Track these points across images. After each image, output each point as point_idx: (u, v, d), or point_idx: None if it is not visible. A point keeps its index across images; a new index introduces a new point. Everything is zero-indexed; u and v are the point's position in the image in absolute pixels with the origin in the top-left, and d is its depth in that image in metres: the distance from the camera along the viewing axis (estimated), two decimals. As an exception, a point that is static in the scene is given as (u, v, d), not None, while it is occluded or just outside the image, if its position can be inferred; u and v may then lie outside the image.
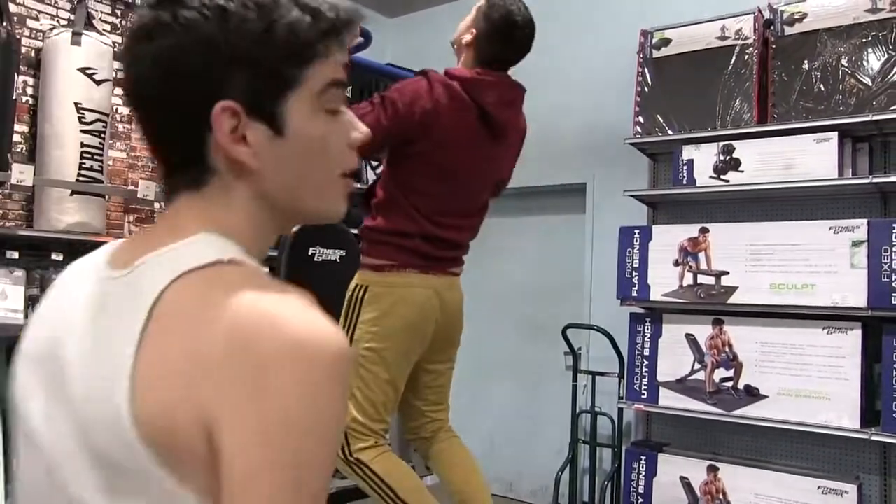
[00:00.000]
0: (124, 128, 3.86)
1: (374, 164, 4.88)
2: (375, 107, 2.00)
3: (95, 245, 3.42)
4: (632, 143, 3.85)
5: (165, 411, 0.59)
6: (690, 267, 3.52)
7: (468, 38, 2.14)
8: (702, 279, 3.49)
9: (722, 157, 3.52)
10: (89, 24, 3.49)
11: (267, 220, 0.74)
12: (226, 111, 0.67)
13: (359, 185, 4.71)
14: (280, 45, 0.68)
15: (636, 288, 3.66)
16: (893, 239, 3.03)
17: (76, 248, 3.39)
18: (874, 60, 3.25)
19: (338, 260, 2.42)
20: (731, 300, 3.39)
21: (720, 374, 3.42)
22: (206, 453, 0.58)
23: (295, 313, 0.61)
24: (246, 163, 0.69)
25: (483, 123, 2.10)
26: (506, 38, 2.12)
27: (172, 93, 0.69)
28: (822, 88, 3.35)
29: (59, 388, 0.66)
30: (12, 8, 3.40)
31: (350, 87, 2.12)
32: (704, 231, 3.51)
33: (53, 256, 3.20)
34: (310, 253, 2.34)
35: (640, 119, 3.84)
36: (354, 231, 4.14)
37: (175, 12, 0.67)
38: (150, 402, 0.59)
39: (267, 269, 0.74)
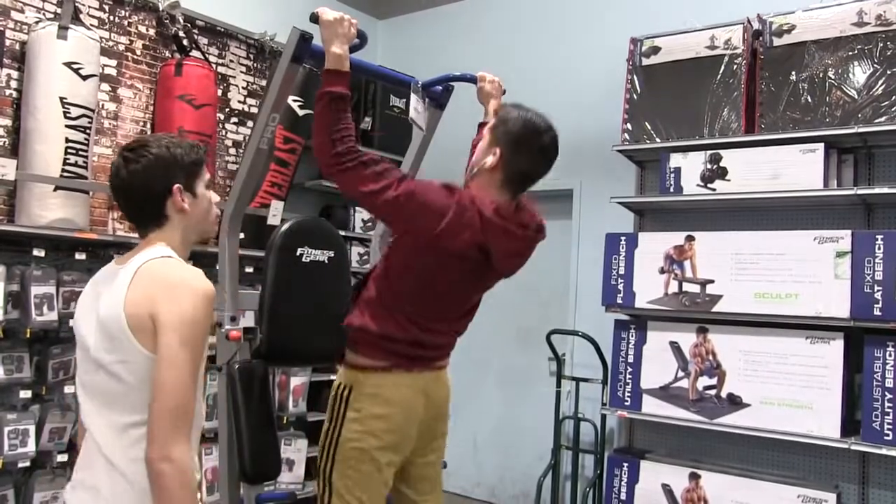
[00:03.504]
0: (110, 124, 3.82)
1: (365, 215, 4.79)
2: (393, 178, 1.89)
3: (78, 241, 3.39)
4: (619, 150, 3.87)
5: (137, 312, 1.41)
6: (676, 275, 3.54)
7: (492, 160, 1.98)
8: (687, 287, 3.50)
9: (709, 166, 3.54)
10: (76, 19, 3.45)
11: (188, 236, 1.59)
12: (178, 188, 1.53)
13: (344, 232, 4.65)
14: (192, 162, 1.56)
15: (621, 295, 3.67)
16: (876, 250, 3.06)
17: (58, 244, 3.34)
18: (860, 73, 3.28)
19: (326, 261, 2.40)
20: (716, 308, 3.41)
21: (703, 381, 3.43)
22: (152, 329, 1.40)
23: (188, 272, 1.46)
24: (185, 209, 1.55)
25: (483, 257, 2.00)
26: (534, 146, 1.98)
27: (153, 184, 1.52)
28: (809, 100, 3.38)
29: (94, 312, 1.48)
30: (-3, 0, 3.36)
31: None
32: (690, 239, 3.52)
33: (35, 252, 3.15)
34: (298, 253, 2.31)
35: (629, 126, 3.85)
36: (343, 232, 4.13)
37: (149, 150, 1.52)
38: (130, 309, 1.42)
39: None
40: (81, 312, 1.53)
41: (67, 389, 3.31)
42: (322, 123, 1.93)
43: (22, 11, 3.48)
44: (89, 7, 3.73)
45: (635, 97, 3.86)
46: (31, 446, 3.10)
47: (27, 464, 3.13)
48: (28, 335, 3.11)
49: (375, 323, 2.03)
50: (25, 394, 3.16)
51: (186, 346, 1.38)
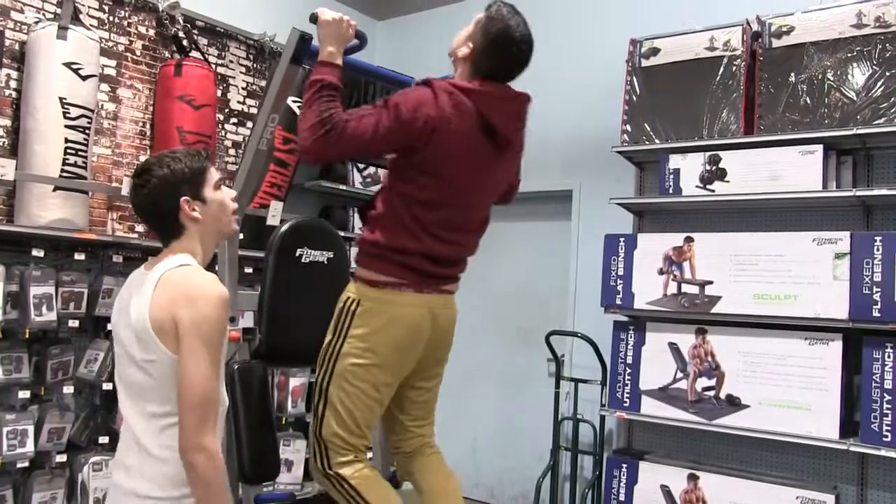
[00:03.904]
0: (109, 124, 3.82)
1: (361, 166, 4.88)
2: (377, 110, 1.95)
3: (77, 242, 3.39)
4: (619, 152, 3.87)
5: (161, 316, 1.55)
6: (675, 276, 3.54)
7: (465, 51, 2.07)
8: (686, 288, 3.50)
9: (708, 167, 3.55)
10: (76, 19, 3.45)
11: (206, 241, 1.72)
12: (185, 201, 1.65)
13: (343, 188, 4.74)
14: (194, 172, 1.67)
15: (620, 296, 3.67)
16: (875, 252, 3.06)
17: (57, 244, 3.34)
18: (859, 75, 3.28)
19: (325, 262, 2.40)
20: (715, 310, 3.41)
21: (702, 383, 3.44)
22: (174, 332, 1.54)
23: (204, 278, 1.60)
24: (197, 217, 1.67)
25: (487, 136, 2.05)
26: (502, 54, 2.05)
27: (161, 203, 1.65)
28: (808, 101, 3.38)
29: (127, 314, 1.61)
30: (-4, 0, 3.36)
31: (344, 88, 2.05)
32: (689, 240, 3.52)
33: (34, 252, 3.15)
34: (297, 254, 2.31)
35: (628, 127, 3.85)
36: (342, 233, 4.14)
37: (151, 174, 1.64)
38: (155, 314, 1.55)
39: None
40: (117, 313, 1.69)
41: (66, 389, 3.31)
42: (310, 111, 1.94)
43: (22, 11, 3.48)
44: (89, 7, 3.73)
45: (635, 98, 3.86)
46: (29, 447, 3.10)
47: (26, 464, 3.13)
48: (27, 335, 3.11)
49: (385, 235, 2.03)
50: (24, 394, 3.16)
51: (206, 344, 1.54)
